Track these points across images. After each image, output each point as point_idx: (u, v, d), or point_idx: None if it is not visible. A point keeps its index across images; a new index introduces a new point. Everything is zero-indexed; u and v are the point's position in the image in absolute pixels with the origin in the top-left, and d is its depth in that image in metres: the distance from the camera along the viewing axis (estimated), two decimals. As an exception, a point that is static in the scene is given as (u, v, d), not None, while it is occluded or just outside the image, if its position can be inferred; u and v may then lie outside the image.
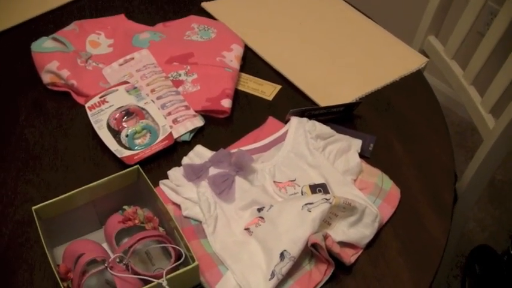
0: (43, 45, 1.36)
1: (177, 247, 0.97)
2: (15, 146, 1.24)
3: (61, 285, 0.91)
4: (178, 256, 0.98)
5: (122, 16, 1.52)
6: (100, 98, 1.26)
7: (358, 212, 1.02)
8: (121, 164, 1.18)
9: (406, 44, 1.46)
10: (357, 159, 1.14)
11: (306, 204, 1.00)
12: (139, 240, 0.96)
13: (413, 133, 1.24)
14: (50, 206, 0.99)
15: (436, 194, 1.13)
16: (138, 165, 1.05)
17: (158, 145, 1.19)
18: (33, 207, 0.98)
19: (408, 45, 1.46)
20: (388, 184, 1.12)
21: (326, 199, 0.99)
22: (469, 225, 2.25)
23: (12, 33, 1.52)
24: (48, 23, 1.54)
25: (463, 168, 1.54)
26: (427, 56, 1.54)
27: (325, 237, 0.98)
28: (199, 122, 1.24)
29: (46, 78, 1.33)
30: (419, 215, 1.09)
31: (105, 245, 1.04)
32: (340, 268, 1.00)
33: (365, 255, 1.03)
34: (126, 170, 1.04)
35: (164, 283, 0.89)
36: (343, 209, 1.02)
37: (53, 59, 1.32)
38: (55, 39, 1.39)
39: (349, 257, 1.01)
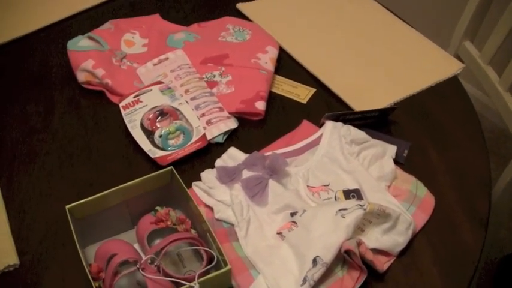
0: (79, 44, 1.36)
1: (209, 250, 0.97)
2: (50, 143, 1.24)
3: (93, 285, 0.91)
4: (210, 259, 0.97)
5: (157, 16, 1.52)
6: (134, 97, 1.26)
7: (392, 219, 1.01)
8: (154, 164, 1.18)
9: (441, 49, 1.45)
10: (392, 165, 1.13)
11: (339, 210, 0.99)
12: (171, 242, 0.96)
13: (448, 140, 1.23)
14: (83, 205, 1.00)
15: (471, 203, 1.11)
16: (171, 167, 1.04)
17: (192, 146, 1.19)
18: (67, 206, 0.98)
19: (443, 50, 1.45)
20: (423, 191, 1.11)
21: (360, 205, 0.98)
22: (500, 234, 2.22)
23: (49, 31, 1.53)
24: (84, 22, 1.55)
25: (495, 175, 1.52)
26: (462, 62, 1.53)
27: (359, 243, 0.97)
28: (233, 124, 1.24)
29: (81, 76, 1.34)
30: (454, 224, 1.08)
31: (136, 246, 1.04)
32: (373, 275, 0.99)
33: (398, 263, 1.02)
34: (159, 171, 1.04)
35: (196, 286, 0.89)
36: (377, 216, 1.01)
37: (88, 58, 1.33)
38: (90, 37, 1.40)
39: (382, 264, 1.00)
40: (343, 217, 0.97)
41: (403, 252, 1.03)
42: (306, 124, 1.23)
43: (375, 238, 1.01)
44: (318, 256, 0.95)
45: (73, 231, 0.96)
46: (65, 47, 1.37)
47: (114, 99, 1.32)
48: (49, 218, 1.11)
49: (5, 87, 1.38)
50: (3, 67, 1.43)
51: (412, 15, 1.92)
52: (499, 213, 1.49)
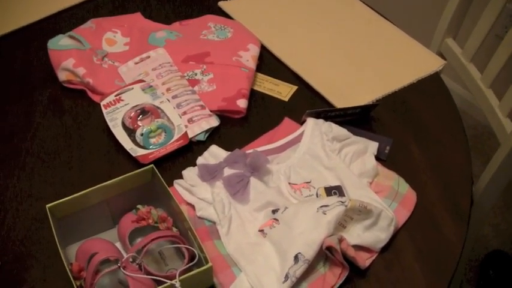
0: (59, 43, 1.36)
1: (191, 248, 0.97)
2: (30, 143, 1.23)
3: (74, 284, 0.90)
4: (192, 257, 0.97)
5: (138, 14, 1.51)
6: (115, 96, 1.26)
7: (373, 215, 1.01)
8: (135, 162, 1.17)
9: (423, 46, 1.45)
10: (373, 161, 1.13)
11: (321, 206, 0.99)
12: (153, 240, 0.95)
13: (430, 136, 1.23)
14: (64, 204, 0.99)
15: (452, 199, 1.11)
16: (152, 165, 1.04)
17: (173, 144, 1.18)
18: (47, 205, 0.98)
19: (425, 47, 1.45)
20: (404, 188, 1.11)
21: (341, 202, 0.98)
22: (484, 230, 2.23)
23: (29, 30, 1.52)
24: (64, 21, 1.54)
25: (478, 172, 1.52)
26: (444, 59, 1.53)
27: (340, 240, 0.97)
28: (214, 122, 1.23)
29: (62, 75, 1.33)
30: (436, 220, 1.08)
31: (118, 244, 1.04)
32: (355, 272, 0.99)
33: (380, 259, 1.02)
34: (140, 170, 1.03)
35: (177, 284, 0.88)
36: (359, 212, 1.01)
37: (69, 57, 1.32)
38: (71, 36, 1.39)
39: (364, 260, 1.00)
40: (325, 214, 0.97)
41: (385, 248, 1.03)
42: (287, 121, 1.23)
43: (356, 234, 1.01)
44: (299, 253, 0.95)
45: (53, 231, 0.95)
46: (45, 46, 1.36)
47: (95, 98, 1.31)
48: (30, 218, 1.10)
49: (-16, 86, 1.37)
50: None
51: (394, 13, 1.92)
52: (482, 210, 1.49)
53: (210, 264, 0.91)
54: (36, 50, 1.45)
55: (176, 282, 0.88)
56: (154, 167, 1.04)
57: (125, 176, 1.02)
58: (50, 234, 0.97)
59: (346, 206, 0.98)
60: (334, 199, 1.00)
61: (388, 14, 1.57)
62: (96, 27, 1.44)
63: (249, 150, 1.15)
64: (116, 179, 1.02)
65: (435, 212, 1.09)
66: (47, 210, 0.97)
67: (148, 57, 1.36)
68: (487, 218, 2.27)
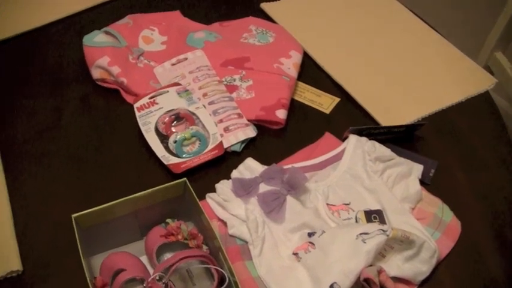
0: (94, 39, 1.32)
1: (221, 270, 0.92)
2: (59, 144, 1.20)
3: (96, 301, 0.86)
4: (221, 278, 0.92)
5: (178, 12, 1.46)
6: (150, 98, 1.21)
7: (415, 246, 0.95)
8: (167, 170, 1.13)
9: (473, 61, 1.38)
10: (418, 186, 1.07)
11: (360, 233, 0.93)
12: (181, 259, 0.91)
13: (477, 160, 1.17)
14: (90, 214, 0.95)
15: (499, 230, 1.05)
16: (185, 178, 0.99)
17: (207, 154, 1.13)
18: (73, 215, 0.93)
19: (473, 61, 1.38)
20: (449, 216, 1.05)
21: (383, 230, 0.93)
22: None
23: (65, 24, 1.48)
24: (101, 15, 1.49)
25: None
26: (491, 73, 1.46)
27: (379, 272, 0.92)
28: (251, 132, 1.18)
29: (96, 73, 1.29)
30: (480, 253, 1.02)
31: (144, 258, 1.00)
32: (392, 304, 0.94)
33: (419, 293, 0.97)
34: (172, 183, 0.98)
35: (205, 310, 0.84)
36: (401, 242, 0.95)
37: (104, 54, 1.28)
38: (107, 32, 1.35)
39: (403, 294, 0.94)
40: (364, 242, 0.92)
41: (425, 281, 0.97)
42: (328, 136, 1.17)
43: (396, 265, 0.96)
44: (335, 282, 0.90)
45: (78, 242, 0.91)
46: (80, 42, 1.33)
47: (128, 98, 1.27)
48: (54, 223, 1.06)
49: (15, 82, 1.33)
50: (15, 60, 1.38)
51: (442, 24, 1.85)
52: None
53: (240, 290, 0.86)
54: (70, 45, 1.41)
55: (204, 308, 0.84)
56: (187, 181, 0.99)
57: (155, 188, 0.97)
58: (74, 242, 0.93)
59: (387, 235, 0.92)
60: (375, 226, 0.94)
61: (436, 25, 1.50)
62: (133, 24, 1.40)
63: (286, 165, 1.10)
64: (146, 191, 0.97)
65: (480, 243, 1.03)
66: (72, 220, 0.93)
67: (186, 59, 1.31)
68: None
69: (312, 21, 1.47)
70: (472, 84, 1.31)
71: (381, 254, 0.96)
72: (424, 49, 1.40)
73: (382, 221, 1.02)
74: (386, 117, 1.22)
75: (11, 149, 1.19)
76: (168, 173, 1.12)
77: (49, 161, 1.17)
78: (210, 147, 1.14)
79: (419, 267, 0.96)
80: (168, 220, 1.00)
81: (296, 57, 1.33)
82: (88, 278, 0.88)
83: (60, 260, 1.01)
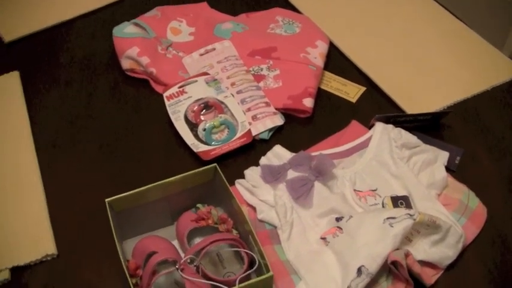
0: (124, 30, 1.34)
1: (251, 253, 0.94)
2: (90, 131, 1.23)
3: (130, 282, 0.88)
4: (251, 261, 0.94)
5: (205, 4, 1.48)
6: (179, 88, 1.23)
7: (442, 230, 0.96)
8: (196, 158, 1.15)
9: (499, 51, 1.38)
10: (443, 172, 1.08)
11: (388, 218, 0.95)
12: (212, 243, 0.93)
13: (503, 148, 1.17)
14: (123, 199, 0.97)
15: (525, 217, 1.06)
16: (215, 164, 1.01)
17: (236, 142, 1.15)
18: (107, 200, 0.96)
19: (497, 49, 1.39)
20: (475, 202, 1.06)
21: (410, 215, 0.94)
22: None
23: (95, 16, 1.51)
24: (130, 7, 1.51)
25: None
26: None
27: (406, 255, 0.93)
28: (279, 121, 1.20)
29: (126, 64, 1.32)
30: (506, 238, 1.03)
31: (175, 242, 1.02)
32: (418, 288, 0.95)
33: (445, 277, 0.98)
34: (203, 168, 1.00)
35: (237, 291, 0.86)
36: (427, 227, 0.96)
37: (133, 45, 1.31)
38: (136, 24, 1.37)
39: (430, 277, 0.96)
40: (391, 226, 0.93)
41: (450, 266, 0.98)
42: (354, 124, 1.19)
43: (422, 250, 0.97)
44: (363, 266, 0.91)
45: (112, 226, 0.94)
46: (109, 33, 1.35)
47: (158, 88, 1.29)
48: (87, 208, 1.09)
49: (48, 72, 1.36)
50: (48, 51, 1.41)
51: (466, 14, 1.85)
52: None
53: (271, 273, 0.88)
54: (100, 36, 1.44)
55: (236, 289, 0.86)
56: (217, 166, 1.01)
57: (186, 173, 1.00)
58: (106, 227, 0.95)
59: (414, 219, 0.93)
60: (402, 211, 0.96)
61: (461, 14, 1.50)
62: (161, 16, 1.42)
63: (314, 152, 1.11)
64: (177, 176, 0.99)
65: (506, 230, 1.04)
66: (106, 205, 0.96)
67: (214, 49, 1.33)
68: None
69: (336, 11, 1.48)
70: (497, 74, 1.32)
71: (407, 238, 0.97)
72: (449, 38, 1.40)
73: (409, 206, 1.03)
74: (412, 106, 1.23)
75: (44, 137, 1.22)
76: (197, 160, 1.15)
77: (81, 148, 1.20)
78: (238, 134, 1.16)
79: (446, 251, 0.97)
80: (199, 205, 1.02)
81: (322, 47, 1.34)
82: (122, 261, 0.90)
83: (93, 244, 1.04)
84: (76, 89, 1.31)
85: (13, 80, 1.33)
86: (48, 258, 1.02)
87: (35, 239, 1.04)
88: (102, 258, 1.02)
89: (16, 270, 1.00)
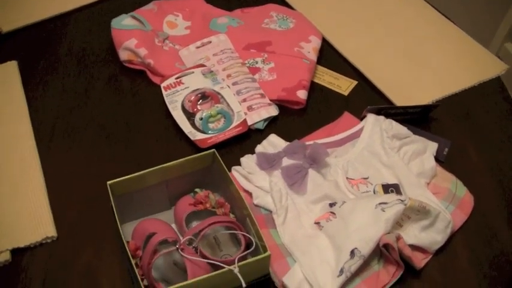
0: (122, 22, 1.36)
1: (248, 235, 0.97)
2: (89, 120, 1.25)
3: (132, 262, 0.91)
4: (248, 244, 0.97)
5: (201, -1, 1.52)
6: (176, 79, 1.26)
7: (431, 216, 1.00)
8: (193, 146, 1.18)
9: (485, 49, 1.43)
10: (432, 162, 1.12)
11: (380, 203, 0.98)
12: (210, 224, 0.95)
13: (489, 141, 1.22)
14: (124, 182, 1.00)
15: (510, 206, 1.10)
16: (214, 150, 1.04)
17: (232, 131, 1.18)
18: (108, 182, 0.99)
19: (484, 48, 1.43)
20: (462, 191, 1.10)
21: (401, 200, 0.97)
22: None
23: (92, 8, 1.53)
24: (127, 1, 1.54)
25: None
26: (503, 63, 1.51)
27: (398, 238, 0.97)
28: (274, 111, 1.23)
29: (124, 55, 1.34)
30: (492, 225, 1.07)
31: (173, 226, 1.04)
32: (408, 272, 0.99)
33: (434, 261, 1.01)
34: (202, 153, 1.04)
35: (236, 270, 0.89)
36: (417, 212, 1.00)
37: (131, 37, 1.33)
38: (134, 17, 1.39)
39: (420, 261, 0.99)
40: (383, 211, 0.97)
41: (439, 251, 1.02)
42: (347, 116, 1.22)
43: (413, 234, 1.01)
44: (356, 248, 0.95)
45: (113, 208, 0.96)
46: (107, 25, 1.38)
47: (155, 79, 1.32)
48: (86, 192, 1.11)
49: (46, 62, 1.38)
50: (45, 42, 1.44)
51: (454, 13, 1.89)
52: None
53: (268, 252, 0.91)
54: (97, 28, 1.46)
55: (235, 267, 0.89)
56: (216, 152, 1.04)
57: (185, 158, 1.03)
58: (105, 212, 0.98)
59: (405, 204, 0.97)
60: (393, 196, 0.99)
61: (449, 15, 1.55)
62: (157, 10, 1.45)
63: (308, 141, 1.15)
64: (177, 161, 1.02)
65: (492, 218, 1.08)
66: (108, 187, 0.98)
67: (210, 42, 1.36)
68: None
69: (329, 8, 1.52)
70: (483, 70, 1.36)
71: (398, 223, 1.01)
72: (438, 36, 1.44)
73: (399, 193, 1.07)
74: (402, 99, 1.27)
75: (43, 123, 1.24)
76: (194, 148, 1.17)
77: (80, 135, 1.22)
78: (234, 124, 1.20)
79: (435, 236, 1.01)
80: (197, 189, 1.05)
81: (315, 42, 1.38)
82: (124, 241, 0.93)
83: (92, 227, 1.06)
84: (74, 79, 1.34)
85: (11, 69, 1.35)
86: (48, 240, 1.04)
87: (35, 222, 1.06)
88: (101, 241, 1.04)
89: (16, 252, 1.02)
